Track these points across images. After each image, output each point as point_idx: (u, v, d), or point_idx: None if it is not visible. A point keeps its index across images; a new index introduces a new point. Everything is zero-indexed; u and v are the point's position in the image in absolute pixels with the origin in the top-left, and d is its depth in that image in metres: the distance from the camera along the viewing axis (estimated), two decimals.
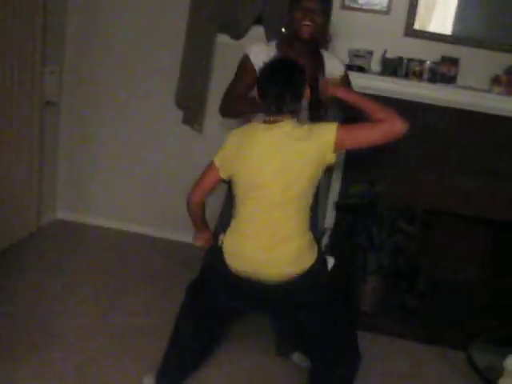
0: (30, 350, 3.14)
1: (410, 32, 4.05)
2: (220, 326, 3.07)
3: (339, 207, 4.02)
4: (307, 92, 2.68)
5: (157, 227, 4.79)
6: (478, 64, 4.01)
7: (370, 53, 4.07)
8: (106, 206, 4.86)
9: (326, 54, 3.27)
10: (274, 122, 2.59)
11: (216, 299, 2.81)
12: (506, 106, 3.85)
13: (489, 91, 3.91)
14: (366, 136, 2.59)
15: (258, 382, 3.16)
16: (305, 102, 2.82)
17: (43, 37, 4.20)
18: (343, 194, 4.04)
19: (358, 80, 3.83)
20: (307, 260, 2.63)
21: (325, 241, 3.98)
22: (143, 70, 4.56)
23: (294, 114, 2.64)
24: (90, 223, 4.86)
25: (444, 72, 3.91)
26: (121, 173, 4.80)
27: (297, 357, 3.29)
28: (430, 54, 4.01)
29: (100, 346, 3.26)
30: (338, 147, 2.57)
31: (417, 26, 4.06)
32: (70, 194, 4.91)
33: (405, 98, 3.89)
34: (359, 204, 3.89)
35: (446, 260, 4.33)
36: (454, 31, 4.05)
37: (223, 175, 2.72)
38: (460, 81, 4.01)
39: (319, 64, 3.18)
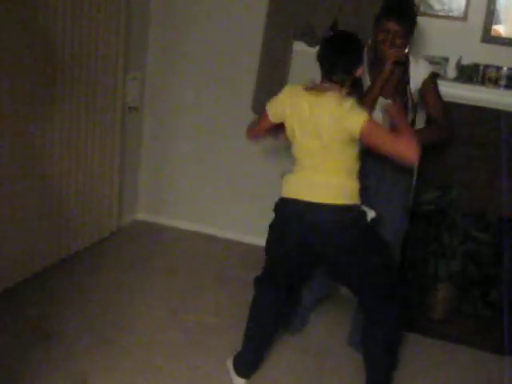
0: (103, 344, 3.31)
1: (487, 38, 4.01)
2: (291, 292, 3.20)
3: (412, 214, 4.00)
4: (360, 70, 2.83)
5: (233, 231, 4.89)
6: None
7: (446, 59, 4.06)
8: (184, 209, 5.01)
9: (413, 61, 3.30)
10: (322, 90, 2.79)
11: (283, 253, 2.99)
12: None
13: None
14: (383, 144, 2.72)
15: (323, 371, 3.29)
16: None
17: (126, 45, 4.40)
18: (416, 200, 4.02)
19: None
20: (348, 198, 2.84)
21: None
22: (222, 76, 4.68)
23: (343, 85, 2.80)
24: (169, 225, 5.01)
25: None
26: (200, 176, 4.93)
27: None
28: (507, 60, 3.95)
29: (171, 340, 3.40)
30: (360, 138, 2.73)
31: (494, 32, 4.01)
32: (150, 196, 5.09)
33: (480, 104, 3.86)
34: (431, 211, 3.88)
35: None
36: None
37: (273, 119, 2.97)
38: None
39: (405, 69, 3.24)
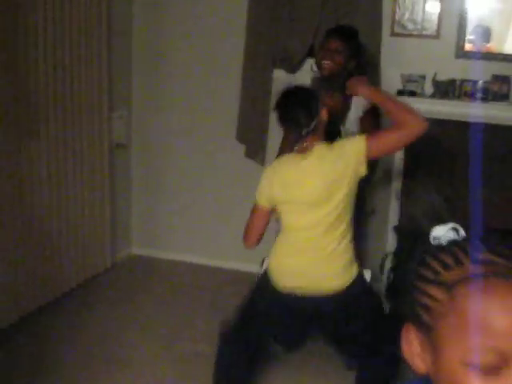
0: (99, 379, 3.33)
1: (461, 54, 4.09)
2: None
3: (398, 231, 4.03)
4: (323, 112, 2.73)
5: (226, 259, 4.92)
6: None
7: (423, 77, 4.13)
8: (177, 241, 5.05)
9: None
10: (306, 150, 2.70)
11: (267, 324, 2.87)
12: None
13: None
14: (392, 142, 2.71)
15: None
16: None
17: (110, 83, 4.49)
18: (403, 215, 4.06)
19: (410, 104, 3.90)
20: (352, 273, 2.73)
21: (387, 265, 4.00)
22: (206, 107, 4.76)
23: (317, 134, 2.70)
24: (163, 257, 5.05)
25: (496, 90, 3.91)
26: (191, 207, 4.98)
27: None
28: (482, 73, 4.01)
29: (165, 371, 3.42)
30: (368, 157, 2.65)
31: (467, 47, 4.09)
32: (144, 230, 5.14)
33: (458, 118, 3.91)
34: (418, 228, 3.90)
35: None
36: (505, 49, 4.06)
37: (266, 205, 2.81)
38: None
39: (346, 96, 3.29)
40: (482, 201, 3.88)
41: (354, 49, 3.33)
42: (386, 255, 3.76)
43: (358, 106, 3.33)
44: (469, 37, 4.07)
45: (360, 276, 2.78)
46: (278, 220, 2.88)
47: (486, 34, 4.06)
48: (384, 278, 3.88)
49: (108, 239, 4.72)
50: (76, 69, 4.13)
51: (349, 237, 2.76)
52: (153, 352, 3.62)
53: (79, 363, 3.47)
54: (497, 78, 3.95)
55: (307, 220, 2.72)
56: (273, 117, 4.51)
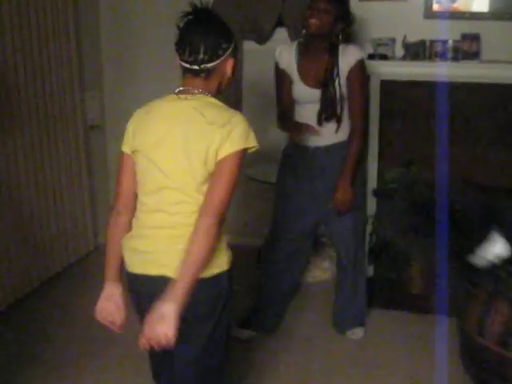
0: (90, 359, 3.37)
1: (430, 14, 4.09)
2: None
3: (377, 194, 4.07)
4: (231, 64, 2.18)
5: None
6: (500, 37, 4.00)
7: (393, 40, 4.14)
8: None
9: (342, 48, 3.26)
10: (185, 92, 2.15)
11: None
12: None
13: None
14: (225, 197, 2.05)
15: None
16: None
17: (79, 64, 4.45)
18: (380, 180, 4.09)
19: (381, 68, 3.95)
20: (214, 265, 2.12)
21: (368, 229, 4.04)
22: (177, 83, 4.72)
23: (209, 83, 2.15)
24: None
25: (466, 49, 3.93)
26: None
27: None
28: (451, 33, 4.03)
29: None
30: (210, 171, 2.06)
31: (435, 7, 4.09)
32: None
33: (429, 79, 3.93)
34: (396, 189, 3.95)
35: None
36: (473, 8, 4.06)
37: (127, 150, 2.19)
38: (485, 56, 4.02)
39: (332, 56, 3.23)
40: (451, 158, 3.96)
41: (343, 11, 3.22)
42: (367, 218, 3.80)
43: (345, 65, 3.23)
44: None
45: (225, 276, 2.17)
46: None
47: None
48: (366, 240, 3.94)
49: (89, 222, 4.71)
50: (45, 50, 4.09)
51: None
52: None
53: (68, 344, 3.52)
54: (466, 37, 3.96)
55: (155, 180, 2.17)
56: (246, 88, 4.55)
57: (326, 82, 3.19)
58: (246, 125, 2.08)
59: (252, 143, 2.08)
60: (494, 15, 3.99)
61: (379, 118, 4.10)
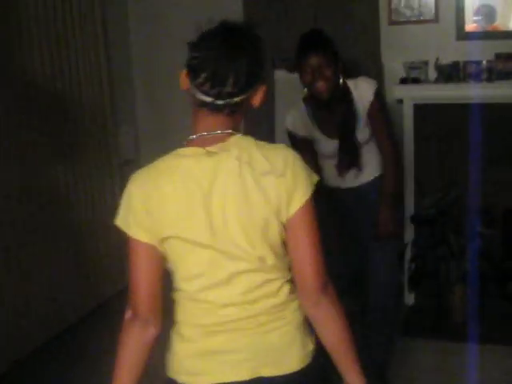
0: None
1: (462, 35, 4.02)
2: None
3: (415, 220, 3.98)
4: (263, 90, 1.67)
5: None
6: None
7: (425, 62, 4.07)
8: None
9: (352, 86, 2.98)
10: (209, 139, 1.62)
11: None
12: None
13: None
14: (304, 248, 1.63)
15: None
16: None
17: (112, 99, 4.50)
18: (417, 206, 4.01)
19: (413, 92, 3.89)
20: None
21: (407, 255, 3.96)
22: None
23: (239, 116, 1.66)
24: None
25: (500, 69, 3.84)
26: None
27: None
28: (485, 53, 3.94)
29: None
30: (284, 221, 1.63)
31: (468, 28, 4.02)
32: None
33: (464, 101, 3.85)
34: (434, 215, 3.86)
35: None
36: (503, 25, 3.98)
37: (147, 238, 1.60)
38: None
39: (348, 101, 2.97)
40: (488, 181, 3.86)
41: (335, 52, 2.87)
42: (405, 245, 3.73)
43: (362, 104, 2.98)
44: (474, 18, 4.01)
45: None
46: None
47: (491, 13, 3.99)
48: (405, 268, 3.85)
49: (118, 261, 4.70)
50: (77, 84, 4.16)
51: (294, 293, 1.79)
52: None
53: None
54: (500, 56, 3.87)
55: (219, 269, 1.64)
56: (279, 119, 4.52)
57: (343, 135, 2.98)
58: (299, 158, 1.65)
59: (315, 177, 1.67)
60: None
61: (414, 142, 4.03)
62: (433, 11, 4.08)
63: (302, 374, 1.66)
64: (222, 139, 1.60)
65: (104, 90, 4.41)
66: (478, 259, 3.75)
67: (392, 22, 4.15)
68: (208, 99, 1.59)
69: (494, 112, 3.85)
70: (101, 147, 4.40)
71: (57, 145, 3.99)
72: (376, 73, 4.08)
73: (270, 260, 1.61)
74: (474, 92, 3.83)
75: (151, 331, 1.64)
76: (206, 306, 1.62)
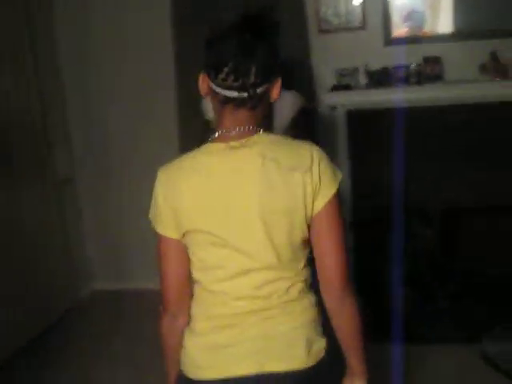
0: None
1: (389, 41, 4.09)
2: None
3: (354, 225, 4.02)
4: (279, 82, 1.68)
5: None
6: (461, 57, 4.00)
7: (356, 69, 4.13)
8: (140, 268, 4.94)
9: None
10: (234, 135, 1.64)
11: None
12: (496, 91, 3.84)
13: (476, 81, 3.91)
14: (329, 241, 1.65)
15: None
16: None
17: (44, 118, 4.42)
18: (354, 211, 4.06)
19: (345, 98, 3.93)
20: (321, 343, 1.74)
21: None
22: (146, 131, 4.67)
23: (259, 111, 1.66)
24: (128, 287, 4.94)
25: (428, 72, 3.92)
26: (149, 233, 4.88)
27: None
28: (413, 58, 4.02)
29: None
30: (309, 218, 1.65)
31: (395, 33, 4.09)
32: (103, 263, 5.03)
33: (395, 105, 3.91)
34: (372, 218, 3.91)
35: (474, 257, 4.26)
36: (431, 30, 4.07)
37: (175, 234, 1.67)
38: (448, 77, 4.01)
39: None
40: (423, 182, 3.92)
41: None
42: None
43: (283, 111, 2.93)
44: (404, 23, 4.08)
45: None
46: None
47: (419, 18, 4.07)
48: None
49: (69, 277, 4.64)
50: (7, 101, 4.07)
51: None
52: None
53: None
54: (428, 60, 3.96)
55: (240, 264, 1.67)
56: None
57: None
58: (325, 155, 1.66)
59: (339, 174, 1.67)
60: (453, 37, 3.99)
61: (348, 147, 4.08)
62: (360, 18, 4.14)
63: (309, 372, 1.66)
64: (246, 135, 1.62)
65: (34, 109, 4.33)
66: (417, 260, 3.82)
67: (321, 31, 4.19)
68: (232, 93, 1.59)
69: (423, 114, 3.93)
70: (36, 167, 4.31)
71: None
72: (307, 81, 4.13)
73: (287, 257, 1.64)
74: (403, 96, 3.91)
75: (180, 322, 1.73)
76: (220, 297, 1.67)
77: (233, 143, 1.61)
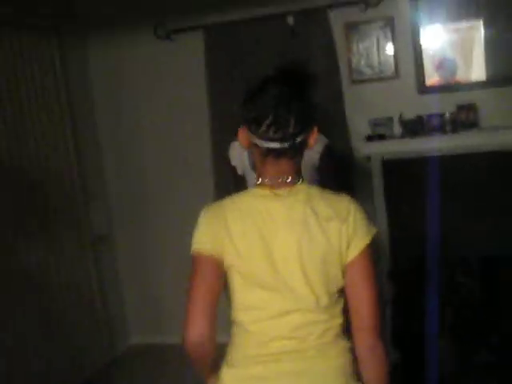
0: None
1: (423, 89, 4.08)
2: None
3: (392, 276, 3.95)
4: (315, 131, 1.77)
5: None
6: (495, 104, 3.97)
7: (390, 119, 4.12)
8: (178, 324, 4.91)
9: None
10: (281, 186, 1.72)
11: None
12: None
13: None
14: (363, 291, 1.73)
15: None
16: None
17: (81, 176, 4.48)
18: (395, 261, 3.99)
19: (380, 148, 3.92)
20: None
21: (387, 313, 3.92)
22: (183, 179, 4.72)
23: (298, 161, 1.75)
24: (166, 342, 4.90)
25: (463, 120, 3.89)
26: (186, 285, 4.86)
27: None
28: (447, 106, 4.00)
29: None
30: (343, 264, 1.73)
31: (428, 82, 4.08)
32: (141, 319, 5.01)
33: (430, 154, 3.88)
34: (412, 269, 3.84)
35: None
36: (464, 78, 4.05)
37: (209, 250, 1.72)
38: (484, 124, 3.97)
39: None
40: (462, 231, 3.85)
41: None
42: (386, 302, 3.67)
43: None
44: (436, 71, 4.08)
45: None
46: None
47: (452, 66, 4.06)
48: (387, 326, 3.79)
49: (105, 333, 4.63)
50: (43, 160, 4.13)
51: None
52: None
53: None
54: (462, 108, 3.93)
55: (279, 305, 1.74)
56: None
57: None
58: (361, 208, 1.75)
59: (374, 229, 1.75)
60: (487, 84, 3.97)
61: (384, 197, 4.04)
62: (392, 68, 4.15)
63: None
64: (289, 185, 1.72)
65: (72, 166, 4.39)
66: (460, 309, 3.72)
67: (354, 81, 4.21)
68: (274, 145, 1.67)
69: (460, 162, 3.88)
70: (72, 224, 4.34)
71: (26, 222, 3.93)
72: (342, 131, 4.12)
73: (324, 303, 1.71)
74: (438, 144, 3.88)
75: (208, 347, 1.77)
76: (257, 338, 1.73)
77: (277, 191, 1.70)
